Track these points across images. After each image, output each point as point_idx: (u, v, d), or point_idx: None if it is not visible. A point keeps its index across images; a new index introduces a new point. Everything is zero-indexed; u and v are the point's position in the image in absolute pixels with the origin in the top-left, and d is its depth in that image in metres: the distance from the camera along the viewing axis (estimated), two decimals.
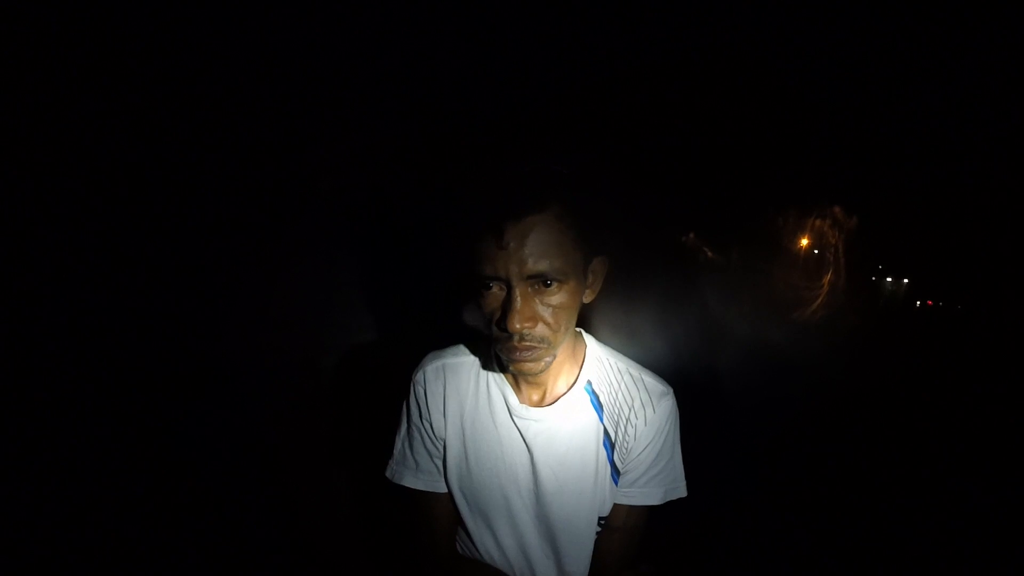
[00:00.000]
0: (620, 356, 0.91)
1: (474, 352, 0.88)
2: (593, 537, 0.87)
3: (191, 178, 1.67)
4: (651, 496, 0.86)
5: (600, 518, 0.86)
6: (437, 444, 0.86)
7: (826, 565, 2.00)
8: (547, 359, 0.74)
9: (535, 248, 0.67)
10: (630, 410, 0.84)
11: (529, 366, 0.74)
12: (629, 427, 0.84)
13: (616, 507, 0.87)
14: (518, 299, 0.69)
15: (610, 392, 0.85)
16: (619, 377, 0.87)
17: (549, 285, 0.70)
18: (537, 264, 0.67)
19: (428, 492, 0.87)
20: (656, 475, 0.86)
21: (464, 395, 0.84)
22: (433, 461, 0.86)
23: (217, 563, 1.56)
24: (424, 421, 0.85)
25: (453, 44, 1.64)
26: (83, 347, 1.54)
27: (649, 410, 0.84)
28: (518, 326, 0.69)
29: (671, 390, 0.87)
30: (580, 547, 0.85)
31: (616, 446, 0.85)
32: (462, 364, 0.87)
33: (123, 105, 1.60)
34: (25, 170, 1.49)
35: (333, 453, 1.70)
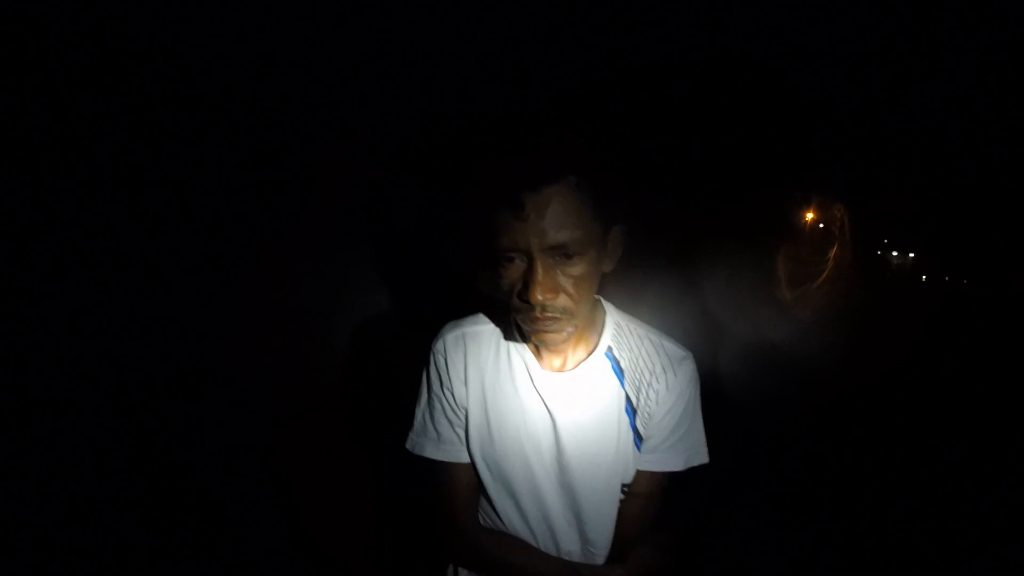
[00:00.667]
0: (639, 322, 0.90)
1: (493, 320, 0.88)
2: (616, 504, 0.87)
3: (191, 178, 1.67)
4: (672, 462, 0.86)
5: (623, 485, 0.86)
6: (459, 413, 0.85)
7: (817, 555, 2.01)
8: (569, 329, 0.74)
9: (554, 219, 0.67)
10: (651, 375, 0.84)
11: (551, 336, 0.74)
12: (651, 392, 0.84)
13: (638, 473, 0.87)
14: (539, 270, 0.69)
15: (631, 358, 0.85)
16: (639, 343, 0.86)
17: (570, 256, 0.70)
18: (557, 235, 0.67)
19: (449, 463, 0.86)
20: (677, 441, 0.86)
21: (485, 363, 0.84)
22: (455, 431, 0.85)
23: (217, 563, 1.56)
24: (445, 390, 0.85)
25: (466, 28, 1.63)
26: (83, 347, 1.53)
27: (671, 374, 0.84)
28: (540, 298, 0.69)
29: (691, 355, 0.87)
30: (603, 514, 0.85)
31: (638, 412, 0.84)
32: (482, 332, 0.86)
33: (123, 105, 1.60)
34: (25, 170, 1.49)
35: (336, 448, 1.70)
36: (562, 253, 0.69)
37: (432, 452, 0.86)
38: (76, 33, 1.46)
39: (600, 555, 0.86)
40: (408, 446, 0.88)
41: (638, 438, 0.84)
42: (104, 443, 1.56)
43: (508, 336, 0.86)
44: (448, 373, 0.84)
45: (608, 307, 0.89)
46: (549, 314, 0.71)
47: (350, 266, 1.74)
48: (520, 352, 0.84)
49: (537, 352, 0.85)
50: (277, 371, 1.74)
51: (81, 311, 1.53)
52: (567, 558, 0.85)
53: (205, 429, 1.66)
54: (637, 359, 0.84)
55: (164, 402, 1.65)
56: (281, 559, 1.64)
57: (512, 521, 0.85)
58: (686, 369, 0.85)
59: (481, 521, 0.89)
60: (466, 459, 0.87)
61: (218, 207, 1.65)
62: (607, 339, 0.85)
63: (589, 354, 0.85)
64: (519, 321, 0.76)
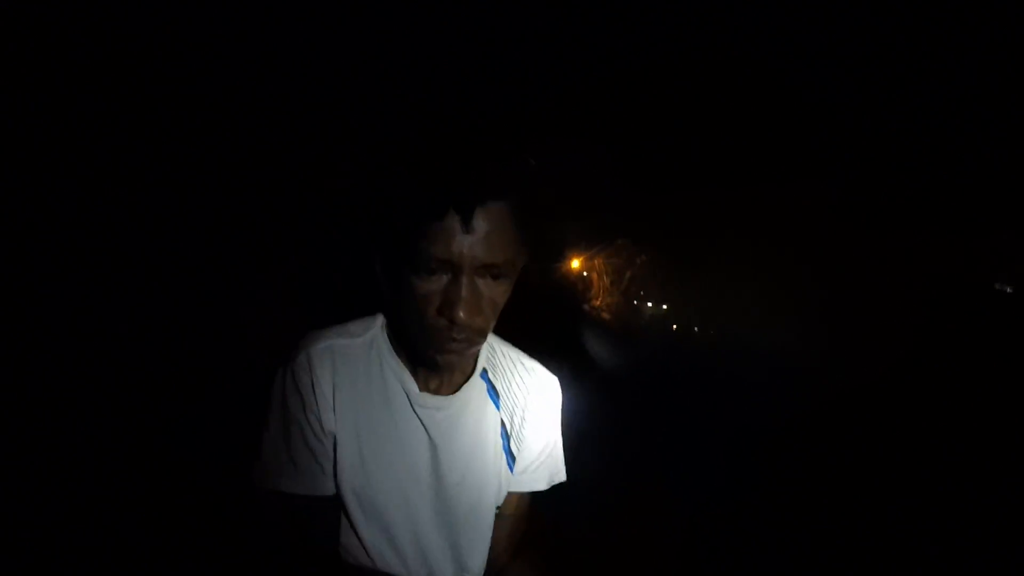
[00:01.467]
0: (510, 345, 0.88)
1: (363, 333, 0.78)
2: (491, 527, 0.84)
3: (189, 178, 1.67)
4: (539, 482, 0.86)
5: (496, 507, 0.85)
6: (323, 440, 0.73)
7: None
8: (474, 350, 0.72)
9: (495, 237, 0.63)
10: (524, 398, 0.84)
11: (456, 357, 0.70)
12: (525, 413, 0.83)
13: (509, 495, 0.85)
14: (467, 288, 0.64)
15: (504, 381, 0.83)
16: (512, 366, 0.85)
17: (496, 278, 0.66)
18: (493, 254, 0.63)
19: (309, 496, 0.74)
20: (544, 461, 0.86)
21: (356, 382, 0.75)
22: (317, 460, 0.73)
23: (216, 563, 1.56)
24: (309, 414, 0.72)
25: (466, 28, 1.63)
26: (83, 347, 1.54)
27: (542, 397, 0.84)
28: (463, 315, 0.64)
29: (557, 378, 0.88)
30: (480, 538, 0.83)
31: (512, 435, 0.83)
32: (351, 347, 0.76)
33: (123, 105, 1.60)
34: (26, 170, 1.49)
35: None
36: (491, 273, 0.66)
37: (289, 485, 0.73)
38: (76, 33, 1.46)
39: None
40: (256, 481, 0.74)
41: (511, 460, 0.83)
42: (104, 443, 1.56)
43: (380, 353, 0.78)
44: (313, 394, 0.72)
45: None
46: (465, 335, 0.67)
47: (350, 266, 1.74)
48: (397, 373, 0.76)
49: (414, 372, 0.77)
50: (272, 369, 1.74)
51: (81, 311, 1.53)
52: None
53: (205, 429, 1.66)
54: (511, 382, 0.84)
55: (164, 402, 1.66)
56: (280, 559, 1.63)
57: (383, 553, 0.78)
58: (555, 392, 0.86)
59: (346, 558, 0.79)
60: (329, 491, 0.74)
61: (218, 207, 1.66)
62: (482, 362, 0.82)
63: (467, 377, 0.80)
64: (421, 338, 0.69)
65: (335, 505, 0.75)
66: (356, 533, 0.76)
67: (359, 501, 0.75)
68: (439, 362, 0.70)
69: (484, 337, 0.71)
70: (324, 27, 1.67)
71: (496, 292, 0.68)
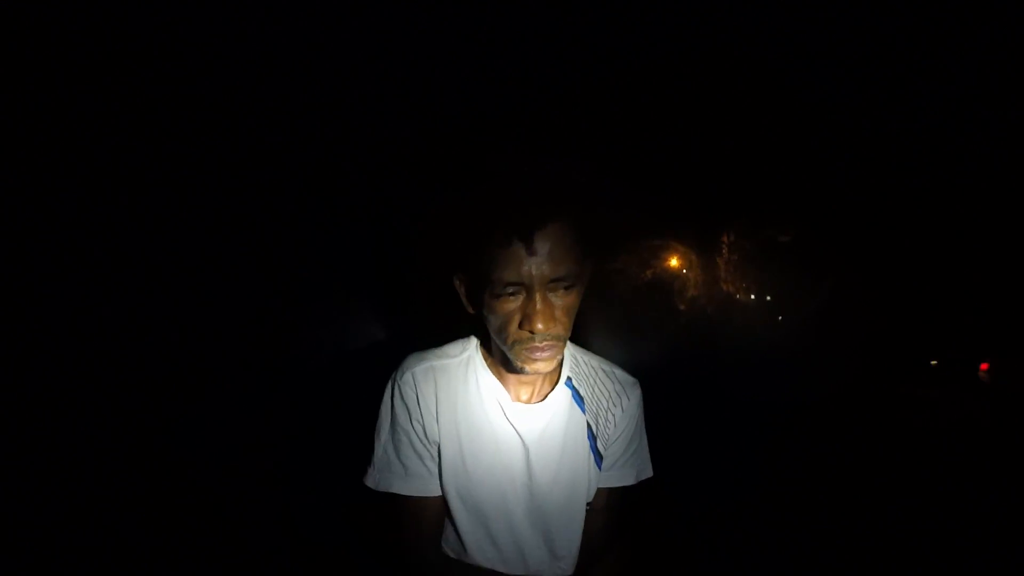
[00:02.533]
0: (591, 354, 0.97)
1: (459, 354, 0.89)
2: (582, 521, 0.92)
3: (191, 178, 1.67)
4: (626, 477, 0.94)
5: (587, 504, 0.92)
6: (428, 447, 0.85)
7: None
8: (559, 356, 0.78)
9: (557, 254, 0.70)
10: (608, 401, 0.92)
11: (544, 364, 0.77)
12: (609, 416, 0.91)
13: (598, 491, 0.93)
14: (540, 302, 0.72)
15: (588, 386, 0.92)
16: (594, 373, 0.93)
17: (566, 288, 0.73)
18: (558, 269, 0.71)
19: (417, 497, 0.85)
20: (630, 458, 0.94)
21: (456, 396, 0.85)
22: (424, 464, 0.85)
23: (215, 564, 1.56)
24: (415, 423, 0.84)
25: (468, 46, 1.64)
26: (83, 347, 1.54)
27: (624, 399, 0.92)
28: (542, 327, 0.72)
29: (638, 381, 0.95)
30: (572, 532, 0.91)
31: (598, 436, 0.91)
32: (449, 366, 0.88)
33: (123, 105, 1.60)
34: (26, 170, 1.49)
35: (331, 455, 1.70)
36: (561, 286, 0.73)
37: (399, 487, 0.85)
38: (76, 33, 1.46)
39: (568, 569, 0.92)
40: (370, 483, 0.86)
41: (599, 459, 0.91)
42: (103, 442, 1.56)
43: (476, 369, 0.88)
44: (419, 406, 0.84)
45: None
46: (548, 342, 0.74)
47: (350, 266, 1.74)
48: (490, 385, 0.86)
49: (505, 385, 0.87)
50: (275, 371, 1.74)
51: (81, 311, 1.53)
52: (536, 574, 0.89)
53: (204, 428, 1.66)
54: (594, 387, 0.91)
55: (164, 402, 1.66)
56: (280, 559, 1.64)
57: (482, 547, 0.87)
58: (636, 394, 0.93)
59: (446, 549, 0.90)
60: (435, 492, 0.86)
61: (218, 207, 1.66)
62: (566, 371, 0.90)
63: (553, 386, 0.89)
64: (511, 350, 0.77)
65: (441, 505, 0.86)
66: (457, 529, 0.87)
67: (461, 500, 0.85)
68: (529, 370, 0.78)
69: (564, 342, 0.78)
70: (366, 49, 1.68)
71: (568, 300, 0.75)
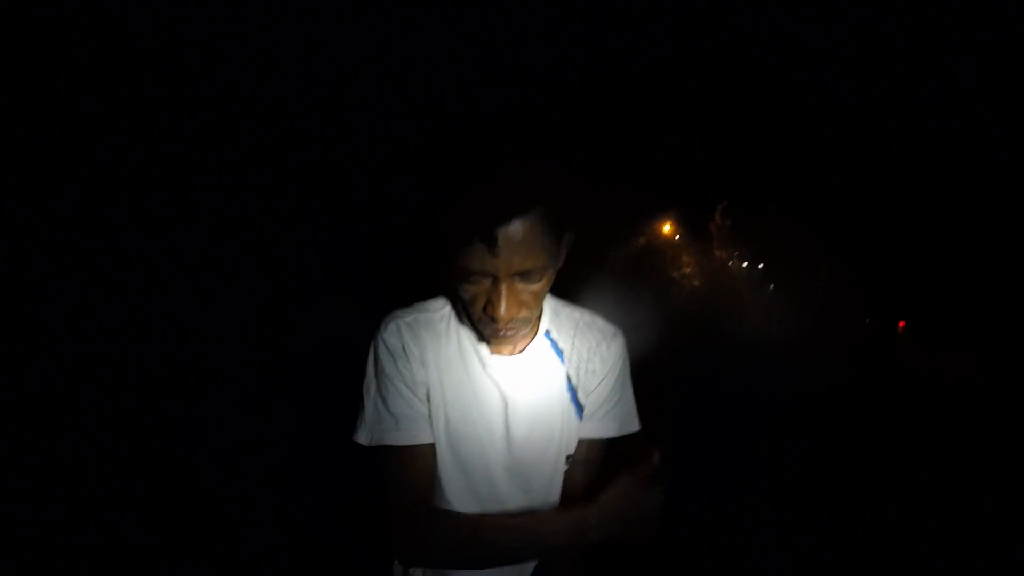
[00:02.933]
0: (572, 305, 0.97)
1: (440, 308, 0.90)
2: (561, 474, 0.93)
3: (191, 178, 1.68)
4: (608, 429, 0.94)
5: (567, 456, 0.92)
6: (416, 391, 0.85)
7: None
8: (523, 332, 0.80)
9: (522, 247, 0.70)
10: (588, 351, 0.92)
11: (509, 343, 0.80)
12: (589, 366, 0.92)
13: (579, 442, 0.94)
14: (504, 293, 0.73)
15: (568, 338, 0.93)
16: (575, 324, 0.94)
17: (533, 279, 0.74)
18: (524, 263, 0.71)
19: (410, 447, 0.84)
20: (611, 409, 0.93)
21: (437, 348, 0.87)
22: (414, 409, 0.85)
23: (215, 563, 1.56)
24: (403, 370, 0.84)
25: (436, 47, 1.65)
26: (83, 347, 1.54)
27: (604, 348, 0.92)
28: (504, 315, 0.73)
29: (620, 330, 0.95)
30: (551, 486, 0.91)
31: (579, 387, 0.92)
32: (432, 319, 0.89)
33: (124, 105, 1.60)
34: (27, 170, 1.50)
35: (329, 450, 1.70)
36: (527, 276, 0.73)
37: (392, 438, 0.83)
38: (77, 33, 1.46)
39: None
40: (362, 440, 0.84)
41: (579, 410, 0.92)
42: (105, 443, 1.56)
43: (456, 322, 0.89)
44: (405, 353, 0.85)
45: None
46: (510, 326, 0.76)
47: (349, 266, 1.74)
48: (470, 338, 0.87)
49: (486, 338, 0.87)
50: (275, 371, 1.74)
51: (81, 311, 1.53)
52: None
53: (204, 428, 1.66)
54: (574, 338, 0.92)
55: (164, 402, 1.66)
56: (280, 559, 1.64)
57: (463, 500, 0.88)
58: (618, 343, 0.94)
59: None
60: (427, 439, 0.85)
61: (218, 207, 1.66)
62: (546, 323, 0.90)
63: (533, 338, 0.90)
64: (477, 326, 0.80)
65: (431, 454, 0.85)
66: (440, 481, 0.87)
67: (448, 449, 0.86)
68: (494, 344, 0.81)
69: (530, 323, 0.79)
70: (355, 46, 1.68)
71: (535, 287, 0.75)
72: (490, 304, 0.74)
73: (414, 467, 0.84)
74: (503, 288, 0.72)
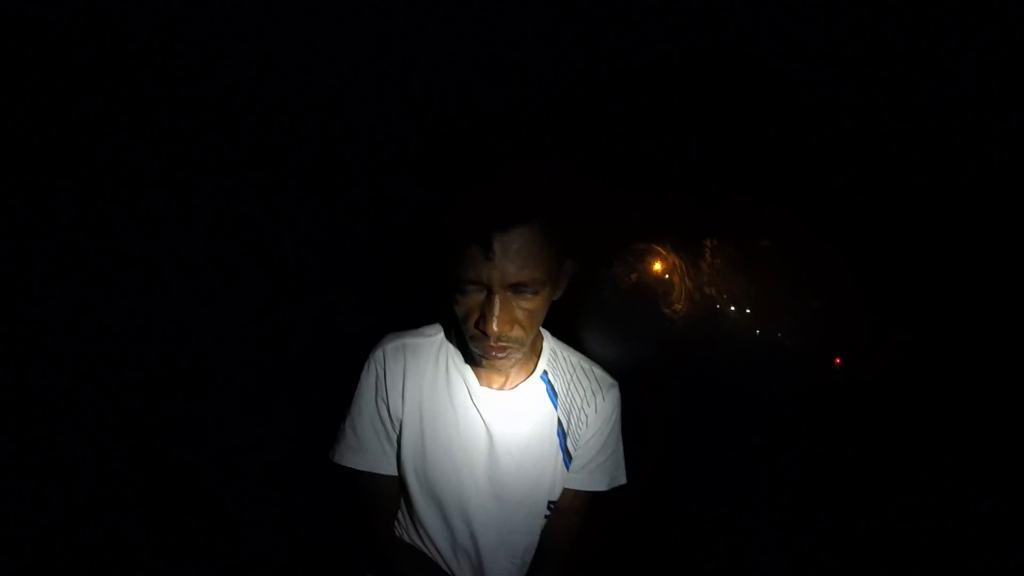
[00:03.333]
0: (572, 350, 0.96)
1: (434, 334, 0.89)
2: (541, 519, 0.90)
3: (188, 179, 1.67)
4: (598, 482, 0.92)
5: (549, 502, 0.90)
6: (388, 425, 0.84)
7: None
8: (517, 356, 0.78)
9: (519, 258, 0.69)
10: (582, 400, 0.90)
11: (501, 362, 0.77)
12: (582, 415, 0.89)
13: (565, 491, 0.91)
14: (497, 305, 0.71)
15: (564, 382, 0.90)
16: (572, 369, 0.92)
17: (528, 292, 0.72)
18: (519, 274, 0.70)
19: (370, 473, 0.85)
20: (603, 462, 0.91)
21: (423, 375, 0.85)
22: (380, 441, 0.85)
23: (215, 563, 1.56)
24: (379, 400, 0.84)
25: (437, 49, 1.65)
26: (83, 347, 1.54)
27: (599, 399, 0.90)
28: (496, 329, 0.72)
29: (617, 383, 0.93)
30: (529, 528, 0.89)
31: (568, 434, 0.89)
32: (423, 344, 0.87)
33: (123, 105, 1.60)
34: (26, 170, 1.50)
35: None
36: (521, 289, 0.72)
37: (351, 460, 0.84)
38: (77, 33, 1.46)
39: (521, 569, 0.91)
40: (333, 457, 0.87)
41: (567, 458, 0.89)
42: (105, 443, 1.56)
43: (447, 351, 0.88)
44: (385, 383, 0.84)
45: (545, 334, 0.92)
46: (503, 343, 0.74)
47: (350, 266, 1.74)
48: (460, 368, 0.86)
49: (477, 370, 0.85)
50: (275, 371, 1.74)
51: (80, 311, 1.53)
52: (488, 570, 0.88)
53: (205, 428, 1.66)
54: (570, 384, 0.90)
55: (164, 402, 1.66)
56: (280, 559, 1.64)
57: (436, 534, 0.86)
58: (614, 395, 0.91)
59: (401, 533, 0.90)
60: (389, 470, 0.86)
61: (218, 207, 1.66)
62: (543, 364, 0.89)
63: (527, 376, 0.88)
64: (469, 342, 0.77)
65: (395, 484, 0.86)
66: (414, 511, 0.86)
67: (418, 481, 0.85)
68: (486, 366, 0.79)
69: (524, 345, 0.77)
70: (348, 46, 1.68)
71: (531, 304, 0.74)
72: (482, 318, 0.72)
73: (371, 493, 0.85)
74: (496, 300, 0.71)
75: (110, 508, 1.53)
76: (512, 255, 0.68)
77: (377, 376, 0.84)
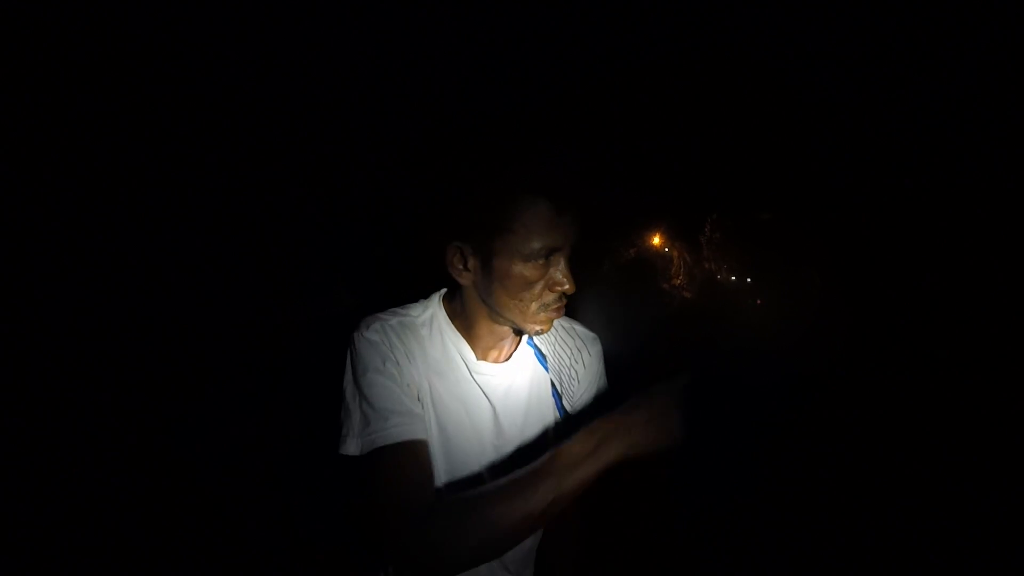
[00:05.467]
0: None
1: (421, 314, 0.87)
2: None
3: (188, 179, 1.67)
4: None
5: None
6: (405, 390, 0.78)
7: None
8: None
9: (579, 218, 0.74)
10: (570, 358, 0.92)
11: (557, 319, 0.80)
12: (572, 372, 0.92)
13: None
14: (566, 265, 0.75)
15: (550, 344, 0.92)
16: (554, 330, 0.93)
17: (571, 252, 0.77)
18: (579, 231, 0.75)
19: (405, 442, 0.74)
20: (595, 413, 0.89)
21: (421, 352, 0.83)
22: (404, 405, 0.77)
23: (215, 563, 1.56)
24: (390, 367, 0.78)
25: (465, 29, 1.65)
26: (83, 347, 1.54)
27: (585, 355, 0.92)
28: (574, 287, 0.75)
29: (598, 336, 0.96)
30: None
31: (563, 394, 0.91)
32: (414, 323, 0.85)
33: (123, 105, 1.60)
34: (26, 170, 1.50)
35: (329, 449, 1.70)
36: (574, 247, 0.77)
37: (384, 438, 0.74)
38: (77, 33, 1.46)
39: (536, 536, 0.91)
40: (352, 449, 0.76)
41: (563, 415, 0.91)
42: (105, 443, 1.56)
43: (440, 329, 0.87)
44: (391, 350, 0.80)
45: None
46: (564, 301, 0.78)
47: (350, 266, 1.74)
48: (456, 344, 0.85)
49: (473, 345, 0.85)
50: (274, 371, 1.74)
51: (80, 311, 1.53)
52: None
53: (204, 428, 1.66)
54: (555, 345, 0.93)
55: (164, 402, 1.66)
56: (280, 559, 1.64)
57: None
58: (597, 349, 0.94)
59: None
60: (423, 434, 0.77)
61: (219, 207, 1.66)
62: None
63: (516, 346, 0.89)
64: (530, 315, 0.77)
65: (427, 451, 0.77)
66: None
67: (439, 456, 0.82)
68: (541, 331, 0.79)
69: None
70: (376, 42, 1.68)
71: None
72: (557, 282, 0.75)
73: (412, 464, 0.74)
74: (564, 261, 0.74)
75: (110, 508, 1.53)
76: (575, 218, 0.73)
77: (380, 345, 0.80)
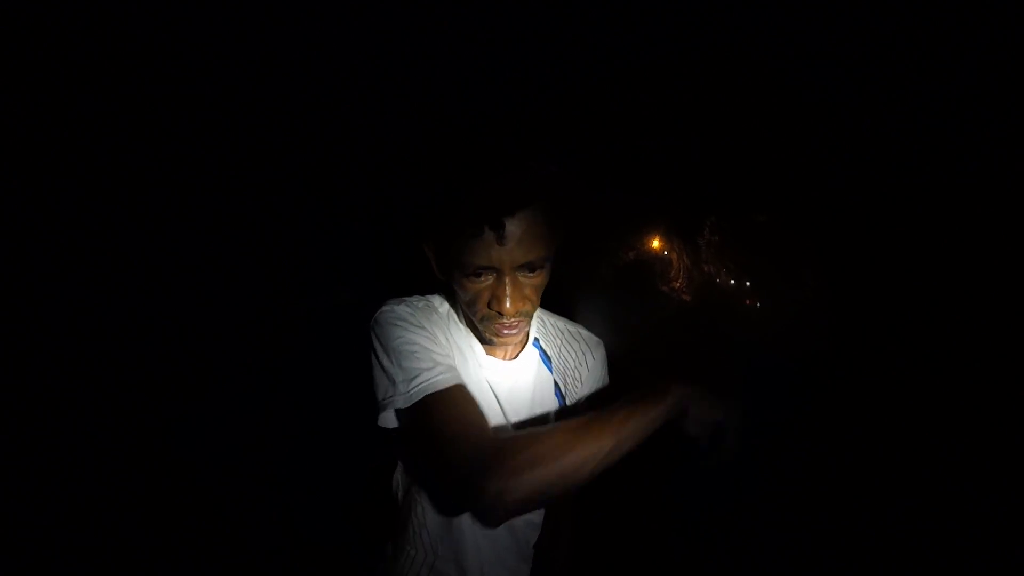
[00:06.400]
0: (557, 316, 1.00)
1: (440, 305, 0.90)
2: None
3: (189, 179, 1.67)
4: None
5: None
6: (441, 348, 0.80)
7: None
8: (525, 329, 0.81)
9: (526, 241, 0.73)
10: (575, 361, 0.95)
11: (511, 338, 0.80)
12: (576, 374, 0.94)
13: None
14: (510, 285, 0.75)
15: (555, 347, 0.95)
16: (560, 334, 0.96)
17: (534, 270, 0.76)
18: (527, 255, 0.73)
19: (455, 386, 0.74)
20: None
21: (446, 336, 0.86)
22: (445, 357, 0.78)
23: (215, 563, 1.56)
24: (420, 333, 0.79)
25: (444, 46, 1.66)
26: (82, 346, 1.54)
27: (590, 358, 0.95)
28: (510, 308, 0.75)
29: (602, 341, 0.98)
30: None
31: (567, 395, 0.93)
32: (434, 309, 0.89)
33: (123, 105, 1.60)
34: (26, 170, 1.50)
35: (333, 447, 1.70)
36: (529, 268, 0.76)
37: (432, 385, 0.74)
38: (77, 33, 1.46)
39: (536, 530, 0.92)
40: (400, 403, 0.75)
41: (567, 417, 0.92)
42: (105, 443, 1.56)
43: (455, 321, 0.89)
44: (419, 321, 0.82)
45: None
46: (514, 320, 0.77)
47: (350, 265, 1.74)
48: (467, 339, 0.88)
49: (482, 340, 0.87)
50: (275, 371, 1.74)
51: (80, 311, 1.53)
52: (502, 536, 0.87)
53: (205, 428, 1.66)
54: (560, 347, 0.95)
55: (164, 402, 1.66)
56: (280, 559, 1.64)
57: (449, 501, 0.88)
58: (601, 352, 0.96)
59: (415, 508, 0.86)
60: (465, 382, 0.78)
61: (219, 206, 1.66)
62: (534, 332, 0.93)
63: (523, 346, 0.91)
64: (479, 324, 0.80)
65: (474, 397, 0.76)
66: (428, 482, 0.85)
67: None
68: (497, 342, 0.81)
69: (531, 317, 0.81)
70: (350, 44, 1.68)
71: (536, 280, 0.77)
72: (496, 300, 0.75)
73: (469, 405, 0.74)
74: (507, 281, 0.74)
75: (110, 507, 1.53)
76: (521, 237, 0.72)
77: (411, 315, 0.82)
